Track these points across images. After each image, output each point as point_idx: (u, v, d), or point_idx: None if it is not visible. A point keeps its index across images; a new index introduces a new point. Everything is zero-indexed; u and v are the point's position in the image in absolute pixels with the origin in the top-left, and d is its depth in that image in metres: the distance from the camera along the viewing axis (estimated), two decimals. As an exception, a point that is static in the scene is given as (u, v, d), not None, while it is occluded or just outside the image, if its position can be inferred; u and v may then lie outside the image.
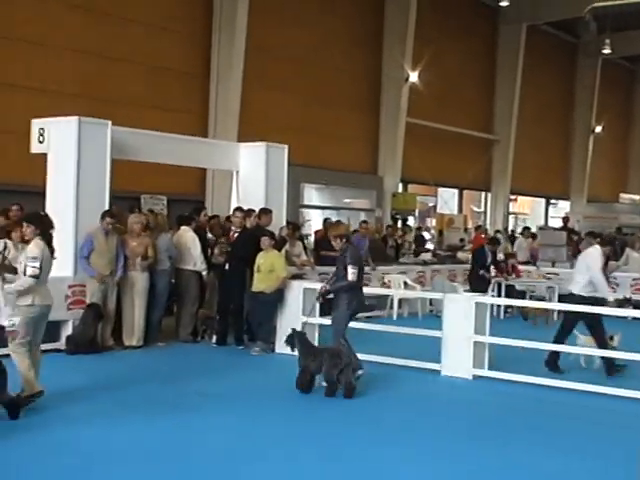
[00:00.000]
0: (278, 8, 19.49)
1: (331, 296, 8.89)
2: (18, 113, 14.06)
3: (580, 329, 9.59)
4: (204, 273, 10.99)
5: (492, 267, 14.43)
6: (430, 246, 21.56)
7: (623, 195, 33.37)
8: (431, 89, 23.45)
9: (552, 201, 33.56)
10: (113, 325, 10.20)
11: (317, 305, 9.74)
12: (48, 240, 7.13)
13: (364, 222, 15.99)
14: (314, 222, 21.06)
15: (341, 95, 21.64)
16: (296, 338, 8.29)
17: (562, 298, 9.98)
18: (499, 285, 14.91)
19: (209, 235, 11.89)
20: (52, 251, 7.16)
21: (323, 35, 20.92)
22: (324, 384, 7.98)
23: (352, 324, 8.92)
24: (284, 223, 12.40)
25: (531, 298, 14.73)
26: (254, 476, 5.68)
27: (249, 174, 12.43)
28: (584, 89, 32.05)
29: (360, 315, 9.66)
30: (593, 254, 9.51)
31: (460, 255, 18.58)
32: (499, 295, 14.60)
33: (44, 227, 7.17)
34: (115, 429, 6.56)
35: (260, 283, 10.21)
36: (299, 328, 8.76)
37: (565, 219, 23.37)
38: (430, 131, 24.37)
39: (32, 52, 14.99)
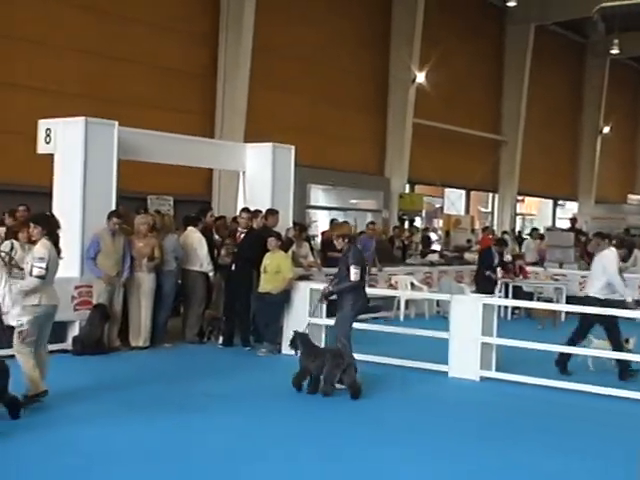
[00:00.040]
0: (285, 7, 19.46)
1: (334, 297, 8.86)
2: (22, 113, 14.10)
3: (596, 333, 9.50)
4: (211, 274, 10.98)
5: (499, 268, 14.39)
6: (437, 247, 21.51)
7: (631, 196, 33.20)
8: (438, 90, 23.39)
9: (560, 202, 33.45)
10: (120, 326, 10.20)
11: (324, 306, 9.71)
12: (55, 240, 7.14)
13: (371, 223, 15.97)
14: (321, 223, 21.03)
15: (348, 96, 21.60)
16: (298, 339, 8.29)
17: (579, 301, 9.86)
18: (506, 286, 14.87)
19: (215, 236, 11.89)
20: (59, 251, 7.17)
21: (330, 35, 20.89)
22: (340, 386, 7.95)
23: (359, 325, 8.88)
24: (291, 224, 12.37)
25: (539, 299, 14.67)
26: (254, 476, 5.68)
27: (256, 175, 12.41)
28: (592, 89, 31.93)
29: (367, 316, 9.64)
30: (609, 256, 9.42)
31: (467, 256, 18.53)
32: (506, 296, 14.56)
33: (51, 228, 7.18)
34: (118, 429, 6.56)
35: (267, 284, 10.19)
36: (305, 329, 8.74)
37: (573, 220, 23.29)
38: (437, 132, 24.31)
39: (34, 51, 14.91)
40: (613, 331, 9.23)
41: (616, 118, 32.75)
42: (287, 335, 9.68)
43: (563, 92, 31.06)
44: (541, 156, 29.43)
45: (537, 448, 6.45)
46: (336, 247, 9.23)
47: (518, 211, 30.22)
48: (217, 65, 18.15)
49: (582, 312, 9.42)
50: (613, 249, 9.57)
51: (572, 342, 9.37)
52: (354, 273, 8.35)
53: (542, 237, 19.55)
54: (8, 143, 14.26)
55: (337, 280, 8.70)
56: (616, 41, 28.73)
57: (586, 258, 17.65)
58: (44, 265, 6.92)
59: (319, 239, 17.57)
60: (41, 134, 10.35)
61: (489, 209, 29.42)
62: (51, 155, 10.33)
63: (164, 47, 17.11)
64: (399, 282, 14.50)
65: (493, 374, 9.00)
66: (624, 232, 23.54)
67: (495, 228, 25.76)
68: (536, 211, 33.17)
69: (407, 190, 24.01)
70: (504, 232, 22.57)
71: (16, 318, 7.06)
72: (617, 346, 9.18)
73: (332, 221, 17.66)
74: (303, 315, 9.83)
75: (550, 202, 33.02)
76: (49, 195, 10.24)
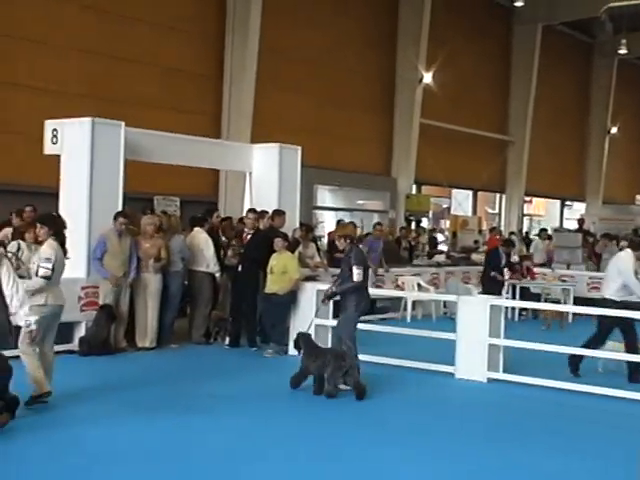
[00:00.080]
0: (291, 9, 19.46)
1: (337, 298, 8.83)
2: (24, 113, 14.11)
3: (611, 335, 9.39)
4: (217, 275, 10.97)
5: (506, 269, 14.34)
6: (444, 248, 21.46)
7: (639, 197, 33.08)
8: (445, 90, 23.36)
9: (567, 203, 33.35)
10: (126, 326, 10.20)
11: (329, 306, 9.68)
12: (61, 241, 7.15)
13: (378, 224, 15.94)
14: (327, 224, 21.01)
15: (355, 96, 21.59)
16: (301, 340, 8.28)
17: (595, 303, 9.77)
18: (513, 287, 14.82)
19: (222, 237, 11.88)
20: (65, 252, 7.17)
21: (337, 36, 20.87)
22: (344, 387, 7.92)
23: (365, 326, 8.85)
24: (297, 225, 12.35)
25: (546, 301, 14.61)
26: (254, 476, 5.67)
27: (262, 175, 12.39)
28: (600, 89, 31.83)
29: (373, 317, 9.60)
30: (624, 258, 9.31)
31: (474, 257, 18.49)
32: (513, 297, 14.50)
33: (57, 228, 7.20)
34: (122, 430, 6.55)
35: (273, 285, 10.18)
36: (308, 329, 8.71)
37: (580, 221, 23.18)
38: (444, 132, 24.27)
39: (36, 51, 14.88)
40: (629, 333, 9.12)
41: (624, 118, 32.65)
42: (293, 336, 9.66)
43: (570, 92, 30.97)
44: (548, 156, 29.34)
45: (542, 450, 6.40)
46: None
47: (525, 212, 30.13)
48: (223, 67, 18.15)
49: (599, 316, 9.31)
50: (629, 250, 9.43)
51: (589, 347, 9.21)
52: (357, 274, 8.31)
53: (550, 238, 19.47)
54: (10, 143, 14.27)
55: (340, 281, 8.68)
56: (624, 41, 28.66)
57: (594, 259, 17.60)
58: (50, 266, 6.93)
59: (326, 240, 17.56)
60: (47, 135, 10.36)
61: (496, 210, 29.35)
62: (55, 155, 10.33)
63: (170, 48, 17.12)
64: (406, 283, 14.47)
65: (500, 375, 8.96)
66: (632, 233, 23.45)
67: (502, 229, 25.69)
68: (544, 212, 33.07)
69: (414, 191, 23.97)
70: (511, 233, 22.49)
71: (24, 318, 7.05)
72: (632, 348, 9.07)
73: (339, 222, 17.62)
74: (310, 316, 9.77)
75: (558, 203, 32.92)
76: (55, 195, 10.25)
